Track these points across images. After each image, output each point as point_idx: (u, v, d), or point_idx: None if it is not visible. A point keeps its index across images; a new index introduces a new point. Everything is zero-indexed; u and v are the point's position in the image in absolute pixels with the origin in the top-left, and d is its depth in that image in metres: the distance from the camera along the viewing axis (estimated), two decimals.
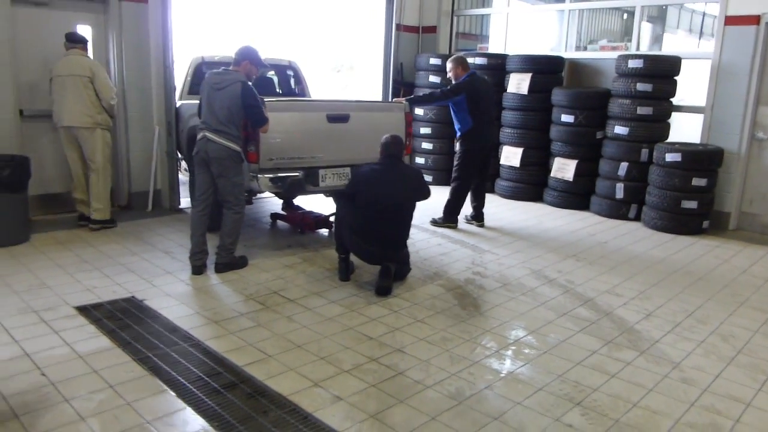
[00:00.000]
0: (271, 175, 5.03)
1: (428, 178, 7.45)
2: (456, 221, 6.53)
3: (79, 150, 5.86)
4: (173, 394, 3.05)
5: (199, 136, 4.72)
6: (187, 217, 6.55)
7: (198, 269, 4.84)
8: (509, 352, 3.66)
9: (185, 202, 6.98)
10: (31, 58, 6.01)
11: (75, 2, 6.28)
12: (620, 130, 7.14)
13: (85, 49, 5.81)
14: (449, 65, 6.38)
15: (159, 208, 6.88)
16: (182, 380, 3.16)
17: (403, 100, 6.20)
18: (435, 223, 6.52)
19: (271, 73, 7.70)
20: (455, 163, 6.49)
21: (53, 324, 3.78)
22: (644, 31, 8.12)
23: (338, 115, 5.35)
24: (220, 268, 4.86)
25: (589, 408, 3.05)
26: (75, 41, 5.74)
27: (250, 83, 4.71)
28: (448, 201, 6.45)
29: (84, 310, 4.02)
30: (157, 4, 6.50)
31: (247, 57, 4.77)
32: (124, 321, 3.87)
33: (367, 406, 3.00)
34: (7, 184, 5.21)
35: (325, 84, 11.31)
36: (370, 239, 4.53)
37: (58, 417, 2.80)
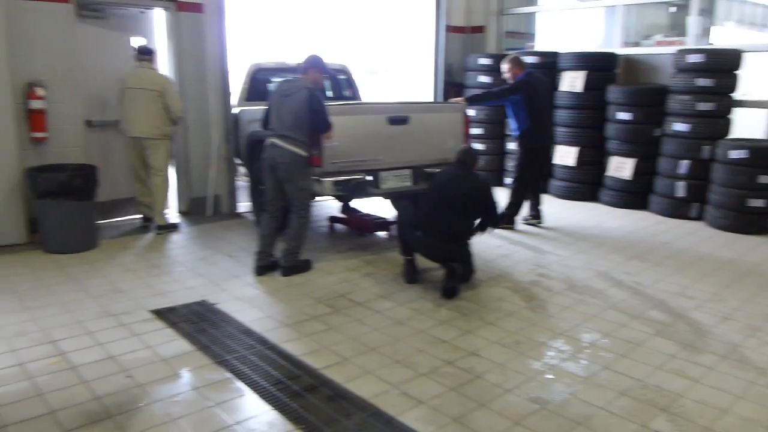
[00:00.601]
0: (334, 179, 5.08)
1: None
2: (514, 222, 6.47)
3: (144, 157, 6.05)
4: (257, 396, 3.09)
5: (266, 143, 4.82)
6: (246, 221, 6.71)
7: (260, 270, 4.93)
8: (585, 356, 3.61)
9: (243, 206, 7.10)
10: (94, 69, 6.19)
11: (134, 14, 6.45)
12: (680, 126, 6.97)
13: (153, 61, 6.00)
14: (505, 66, 6.32)
15: (218, 213, 7.00)
16: (264, 383, 3.21)
17: (461, 99, 6.18)
18: None
19: None
20: (514, 163, 6.44)
21: (133, 327, 3.89)
22: (693, 23, 7.90)
23: (398, 116, 5.37)
24: (285, 271, 4.93)
25: (676, 414, 2.98)
26: (144, 53, 5.95)
27: (316, 90, 4.80)
28: (509, 203, 6.40)
29: (159, 314, 4.12)
30: (213, 13, 6.63)
31: (315, 65, 4.88)
32: (199, 324, 3.95)
33: (449, 409, 2.99)
34: (77, 193, 5.37)
35: (362, 86, 11.37)
36: (434, 233, 4.55)
37: (150, 418, 2.87)
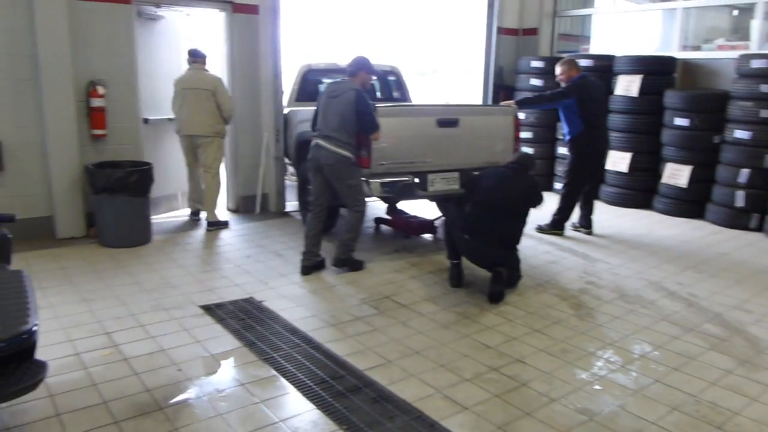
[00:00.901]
0: (381, 180, 5.09)
1: None
2: (563, 228, 6.35)
3: (196, 155, 6.23)
4: (300, 395, 3.12)
5: (312, 144, 4.88)
6: (293, 220, 6.78)
7: (306, 270, 4.98)
8: (635, 368, 3.51)
9: (290, 206, 7.19)
10: (151, 68, 6.38)
11: (183, 16, 6.62)
12: (741, 134, 6.72)
13: (205, 63, 6.22)
14: (559, 68, 6.19)
15: (266, 211, 7.11)
16: (308, 382, 3.23)
17: (512, 102, 6.11)
18: (541, 230, 6.36)
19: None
20: (565, 168, 6.31)
21: (183, 322, 3.98)
22: (757, 27, 7.60)
23: (448, 119, 5.35)
24: (337, 263, 5.02)
25: None
26: (197, 57, 6.18)
27: (363, 92, 4.82)
28: (558, 208, 6.28)
29: (209, 310, 4.20)
30: (267, 14, 6.71)
31: (364, 67, 4.93)
32: (246, 321, 4.01)
33: (494, 416, 2.95)
34: (133, 190, 5.52)
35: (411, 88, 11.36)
36: (482, 237, 4.51)
37: (198, 412, 2.93)
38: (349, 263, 5.03)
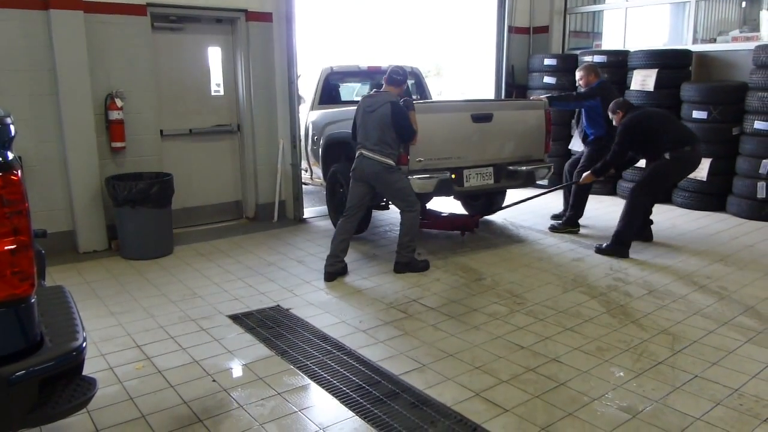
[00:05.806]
0: (419, 176, 5.13)
1: (543, 182, 7.12)
2: (578, 226, 6.31)
3: None
4: (338, 402, 3.09)
5: (356, 155, 4.99)
6: (312, 227, 6.77)
7: (330, 275, 4.97)
8: (673, 363, 3.46)
9: (308, 212, 7.17)
10: (168, 80, 6.40)
11: (206, 26, 6.61)
12: (761, 125, 6.65)
13: None
14: (580, 73, 6.23)
15: (284, 218, 7.09)
16: (344, 389, 3.21)
17: (543, 97, 6.14)
18: (554, 229, 6.31)
19: None
20: (579, 167, 6.21)
21: (213, 332, 3.96)
22: (766, 19, 7.56)
23: (482, 114, 5.39)
24: (399, 268, 5.05)
25: None
26: None
27: (399, 102, 4.94)
28: (571, 205, 6.26)
29: (237, 319, 4.19)
30: (281, 22, 6.70)
31: (400, 75, 5.03)
32: (275, 329, 3.99)
33: (536, 417, 2.92)
34: (154, 201, 5.52)
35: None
36: None
37: (238, 423, 2.91)
38: (412, 266, 5.04)
